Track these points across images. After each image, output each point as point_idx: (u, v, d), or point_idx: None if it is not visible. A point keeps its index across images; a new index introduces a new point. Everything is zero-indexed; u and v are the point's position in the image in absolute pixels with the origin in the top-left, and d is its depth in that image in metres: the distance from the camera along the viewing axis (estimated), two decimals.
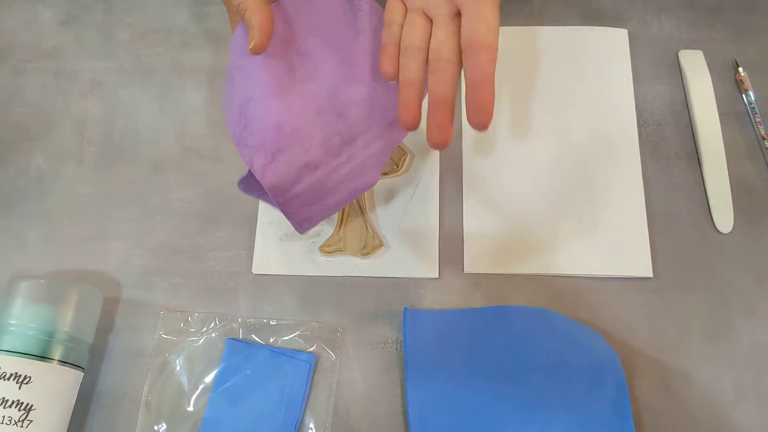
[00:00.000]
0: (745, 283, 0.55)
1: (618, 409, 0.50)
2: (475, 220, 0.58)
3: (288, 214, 0.48)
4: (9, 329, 0.50)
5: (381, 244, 0.57)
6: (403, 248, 0.57)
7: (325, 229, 0.58)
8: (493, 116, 0.42)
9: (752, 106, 0.60)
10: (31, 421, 0.48)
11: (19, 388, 0.48)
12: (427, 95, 0.44)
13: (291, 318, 0.55)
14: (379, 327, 0.55)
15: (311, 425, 0.52)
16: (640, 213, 0.57)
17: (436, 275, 0.56)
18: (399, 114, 0.44)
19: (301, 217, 0.48)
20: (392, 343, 0.55)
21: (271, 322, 0.55)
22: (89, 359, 0.53)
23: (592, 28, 0.64)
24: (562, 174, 0.59)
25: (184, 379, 0.54)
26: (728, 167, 0.58)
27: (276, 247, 0.57)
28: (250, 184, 0.51)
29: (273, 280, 0.57)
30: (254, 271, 0.57)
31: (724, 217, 0.57)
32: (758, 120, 0.60)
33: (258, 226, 0.58)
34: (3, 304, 0.51)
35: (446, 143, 0.43)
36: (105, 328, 0.55)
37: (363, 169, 0.47)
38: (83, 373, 0.52)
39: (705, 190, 0.58)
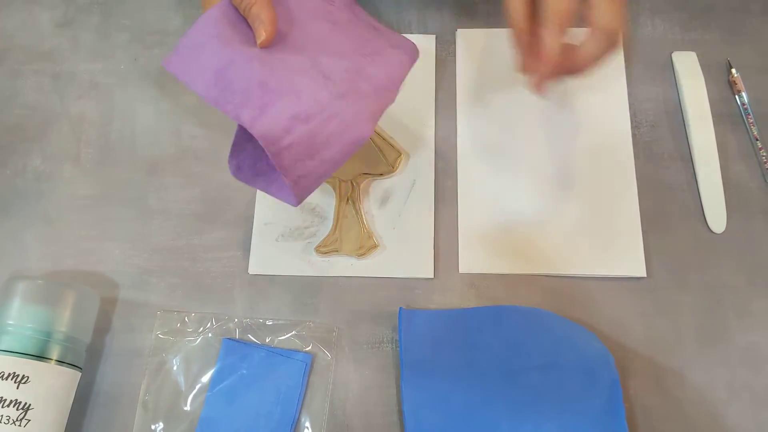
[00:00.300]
0: (738, 283, 0.56)
1: (612, 408, 0.50)
2: (470, 221, 0.58)
3: (283, 170, 0.46)
4: (7, 329, 0.50)
5: (376, 245, 0.57)
6: (398, 248, 0.57)
7: (321, 230, 0.58)
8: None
9: (745, 107, 0.61)
10: (29, 420, 0.48)
11: (17, 388, 0.48)
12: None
13: (287, 318, 0.56)
14: (374, 327, 0.55)
15: (307, 424, 0.52)
16: (633, 213, 0.58)
17: (431, 275, 0.57)
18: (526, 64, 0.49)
19: (296, 173, 0.47)
20: (387, 343, 0.55)
21: (268, 322, 0.55)
22: (87, 359, 0.54)
23: (587, 29, 0.64)
24: (556, 175, 0.59)
25: (180, 379, 0.54)
26: (721, 168, 0.59)
27: (272, 248, 0.58)
28: (240, 162, 0.51)
29: (269, 280, 0.57)
30: (250, 271, 0.57)
31: (717, 218, 0.57)
32: (751, 121, 0.60)
33: (254, 227, 0.58)
34: (0, 305, 0.51)
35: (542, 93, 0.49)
36: (102, 328, 0.56)
37: (355, 121, 0.47)
38: (81, 373, 0.52)
39: (698, 190, 0.59)
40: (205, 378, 0.54)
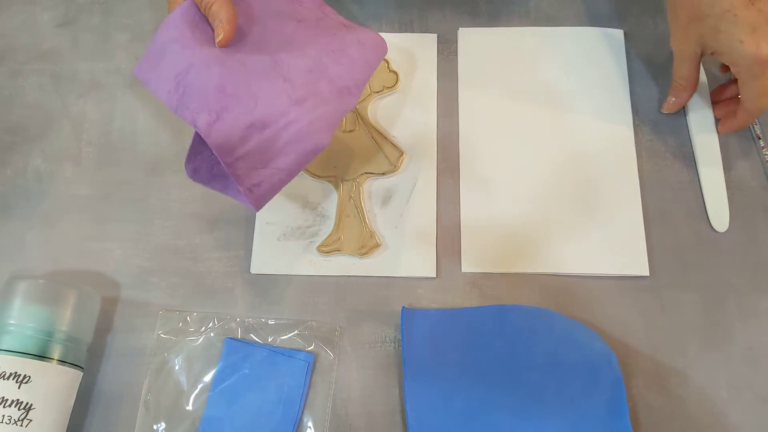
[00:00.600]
0: (741, 282, 0.56)
1: (614, 407, 0.50)
2: (472, 220, 0.58)
3: (237, 178, 0.46)
4: (8, 329, 0.50)
5: (378, 244, 0.57)
6: (400, 248, 0.57)
7: (323, 229, 0.58)
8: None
9: None
10: (31, 420, 0.48)
11: (19, 388, 0.48)
12: None
13: (289, 317, 0.56)
14: (376, 326, 0.55)
15: (309, 424, 0.52)
16: (636, 212, 0.58)
17: (434, 274, 0.56)
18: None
19: (250, 182, 0.46)
20: (390, 342, 0.55)
21: (270, 322, 0.55)
22: (88, 359, 0.54)
23: (588, 28, 0.65)
24: (558, 174, 0.59)
25: (182, 379, 0.54)
26: (724, 166, 0.59)
27: (274, 247, 0.58)
28: (197, 165, 0.50)
29: (271, 279, 0.57)
30: (252, 270, 0.57)
31: (719, 216, 0.57)
32: None
33: (256, 226, 0.58)
34: (2, 305, 0.51)
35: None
36: (104, 327, 0.56)
37: (313, 130, 0.47)
38: (82, 373, 0.52)
39: (701, 189, 0.58)
40: (207, 378, 0.54)
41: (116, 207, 0.60)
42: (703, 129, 0.60)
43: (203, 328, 0.55)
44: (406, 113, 0.62)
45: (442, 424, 0.50)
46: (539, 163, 0.60)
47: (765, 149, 0.59)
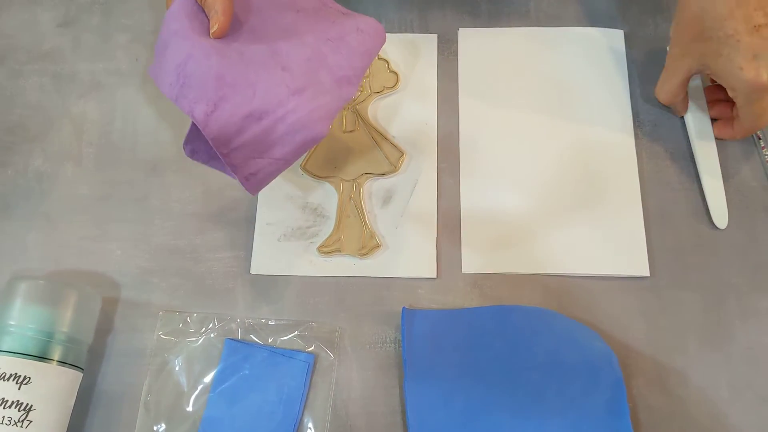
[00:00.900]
0: (742, 282, 0.56)
1: (615, 408, 0.50)
2: (472, 220, 0.58)
3: (234, 168, 0.46)
4: (8, 330, 0.50)
5: (379, 244, 0.57)
6: (400, 248, 0.57)
7: (323, 230, 0.58)
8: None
9: None
10: (31, 421, 0.48)
11: (19, 389, 0.48)
12: None
13: (289, 318, 0.56)
14: (377, 327, 0.55)
15: (310, 425, 0.52)
16: (636, 212, 0.58)
17: (434, 275, 0.56)
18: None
19: (247, 171, 0.47)
20: (390, 343, 0.55)
21: (270, 323, 0.55)
22: (88, 360, 0.54)
23: (588, 29, 0.64)
24: (559, 174, 0.59)
25: (182, 380, 0.54)
26: (723, 166, 0.59)
27: (274, 248, 0.58)
28: (196, 146, 0.50)
29: (271, 280, 0.57)
30: (252, 271, 0.57)
31: (719, 216, 0.57)
32: None
33: (256, 227, 0.58)
34: (2, 305, 0.51)
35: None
36: (104, 328, 0.56)
37: (311, 120, 0.47)
38: (82, 374, 0.52)
39: (701, 189, 0.58)
40: (208, 378, 0.54)
41: (117, 207, 0.60)
42: (701, 129, 0.60)
43: (203, 329, 0.55)
44: (406, 113, 0.62)
45: (442, 425, 0.50)
46: (539, 164, 0.60)
47: (765, 149, 0.59)
